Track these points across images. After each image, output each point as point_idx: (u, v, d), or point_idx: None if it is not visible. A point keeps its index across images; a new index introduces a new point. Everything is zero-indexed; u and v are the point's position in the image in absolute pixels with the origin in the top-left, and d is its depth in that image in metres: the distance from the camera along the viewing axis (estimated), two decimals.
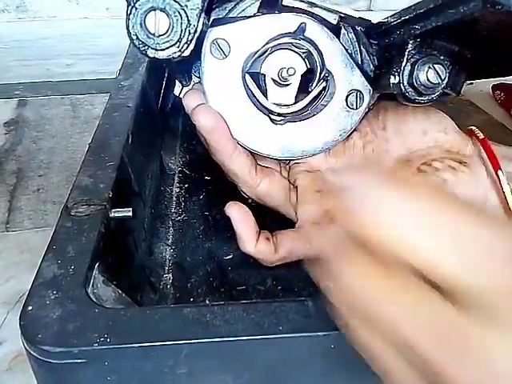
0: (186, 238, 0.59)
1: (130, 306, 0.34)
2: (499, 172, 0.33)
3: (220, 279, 0.53)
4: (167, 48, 0.25)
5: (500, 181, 0.33)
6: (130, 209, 0.42)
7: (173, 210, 0.63)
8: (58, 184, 0.73)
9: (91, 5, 1.55)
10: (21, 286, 0.55)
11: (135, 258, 0.49)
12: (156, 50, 0.25)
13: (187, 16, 0.25)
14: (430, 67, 0.29)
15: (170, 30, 0.25)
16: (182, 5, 0.24)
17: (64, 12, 1.57)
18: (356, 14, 0.33)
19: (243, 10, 0.34)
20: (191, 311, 0.31)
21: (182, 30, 0.25)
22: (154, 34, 0.25)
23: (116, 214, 0.41)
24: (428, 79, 0.29)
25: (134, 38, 0.25)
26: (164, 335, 0.29)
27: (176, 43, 0.25)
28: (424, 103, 0.31)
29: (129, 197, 0.50)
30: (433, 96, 0.30)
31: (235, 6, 0.34)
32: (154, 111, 0.69)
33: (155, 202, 0.63)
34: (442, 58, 0.29)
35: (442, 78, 0.29)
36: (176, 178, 0.71)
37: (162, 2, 0.24)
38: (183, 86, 0.40)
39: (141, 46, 0.25)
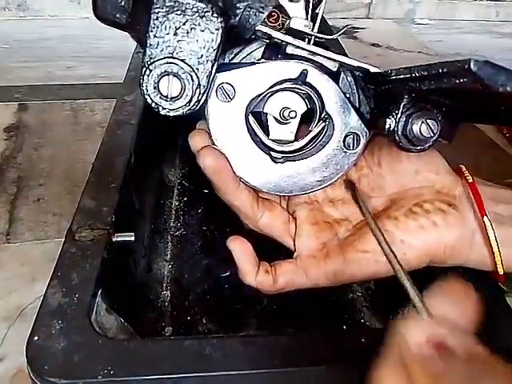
0: (184, 253, 0.60)
1: (133, 337, 0.36)
2: (485, 218, 0.35)
3: (217, 297, 0.54)
4: (179, 108, 0.27)
5: (486, 227, 0.35)
6: (132, 233, 0.43)
7: (171, 225, 0.65)
8: (59, 194, 0.74)
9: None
10: (22, 300, 0.56)
11: (135, 278, 0.50)
12: (168, 109, 0.27)
13: (198, 78, 0.26)
14: (423, 122, 0.30)
15: (181, 93, 0.26)
16: (194, 68, 0.26)
17: (65, 11, 1.57)
18: (355, 63, 0.34)
19: (248, 55, 0.36)
20: (192, 344, 0.32)
21: (192, 91, 0.27)
22: (166, 96, 0.26)
23: (118, 239, 0.43)
24: (421, 133, 0.30)
25: (147, 97, 0.26)
26: (166, 368, 0.31)
27: (187, 103, 0.27)
28: (416, 152, 0.32)
29: (130, 217, 0.51)
30: (425, 146, 0.32)
31: (240, 50, 0.35)
32: (156, 126, 0.70)
33: (155, 216, 0.64)
34: (435, 111, 0.31)
35: (434, 132, 0.30)
36: (175, 191, 0.72)
37: (175, 67, 0.25)
38: None
39: (153, 104, 0.27)
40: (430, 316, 0.24)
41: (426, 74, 0.25)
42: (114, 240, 0.42)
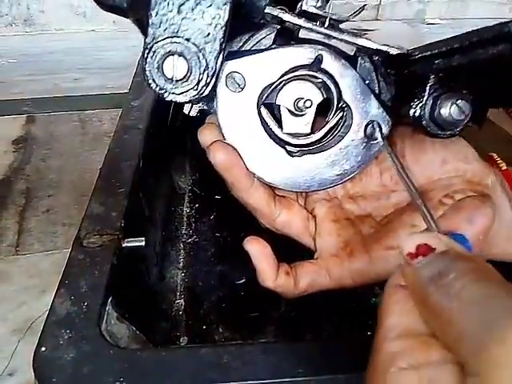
0: (198, 261, 0.58)
1: (145, 346, 0.34)
2: None
3: (232, 305, 0.52)
4: (186, 92, 0.25)
5: None
6: (143, 238, 0.41)
7: (183, 232, 0.63)
8: (68, 205, 0.72)
9: (98, 17, 1.56)
10: (31, 313, 0.54)
11: (147, 285, 0.48)
12: (174, 94, 0.25)
13: (205, 59, 0.24)
14: (453, 103, 0.28)
15: (188, 75, 0.24)
16: (201, 48, 0.24)
17: (71, 25, 1.57)
18: (374, 46, 0.32)
19: (258, 42, 0.33)
20: (208, 352, 0.30)
21: (200, 73, 0.24)
22: (171, 79, 0.24)
23: (128, 244, 0.41)
24: (451, 115, 0.28)
25: (151, 81, 0.24)
26: (181, 379, 0.29)
27: (194, 86, 0.25)
28: (445, 137, 0.30)
29: (140, 223, 0.49)
30: (456, 130, 0.29)
31: (250, 37, 0.33)
32: (165, 130, 0.69)
33: (166, 223, 0.62)
34: (464, 92, 0.28)
35: (466, 113, 0.28)
36: (186, 198, 0.70)
37: (180, 46, 0.23)
38: (192, 105, 0.39)
39: (158, 89, 0.24)
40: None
41: (457, 45, 0.23)
42: (123, 245, 0.40)
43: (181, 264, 0.57)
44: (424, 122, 0.29)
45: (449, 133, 0.30)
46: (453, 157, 0.36)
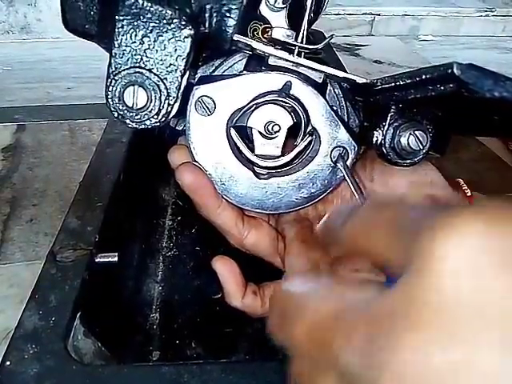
0: (176, 274, 0.58)
1: (109, 362, 0.34)
2: None
3: (207, 320, 0.52)
4: (146, 120, 0.25)
5: None
6: (116, 254, 0.42)
7: (164, 245, 0.63)
8: (51, 214, 0.73)
9: None
10: (9, 322, 0.54)
11: (122, 300, 0.49)
12: (135, 122, 0.25)
13: (166, 88, 0.25)
14: (411, 133, 0.29)
15: (148, 104, 0.25)
16: (162, 78, 0.25)
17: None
18: (341, 74, 0.33)
19: (230, 67, 0.34)
20: (169, 371, 0.31)
21: (161, 102, 0.25)
22: (132, 108, 0.25)
23: (101, 260, 0.41)
24: (409, 145, 0.29)
25: (113, 109, 0.25)
26: None
27: (155, 115, 0.26)
28: (406, 166, 0.31)
29: (118, 237, 0.50)
30: (415, 159, 0.30)
31: (222, 62, 0.34)
32: (149, 143, 0.69)
33: (147, 235, 0.63)
34: (424, 122, 0.29)
35: (424, 144, 0.29)
36: (169, 210, 0.71)
37: (141, 77, 0.24)
38: (179, 119, 0.40)
39: (120, 117, 0.25)
40: None
41: (409, 81, 0.24)
42: (96, 261, 0.41)
43: (159, 277, 0.58)
44: (384, 150, 0.30)
45: (408, 161, 0.30)
46: (419, 181, 0.37)
